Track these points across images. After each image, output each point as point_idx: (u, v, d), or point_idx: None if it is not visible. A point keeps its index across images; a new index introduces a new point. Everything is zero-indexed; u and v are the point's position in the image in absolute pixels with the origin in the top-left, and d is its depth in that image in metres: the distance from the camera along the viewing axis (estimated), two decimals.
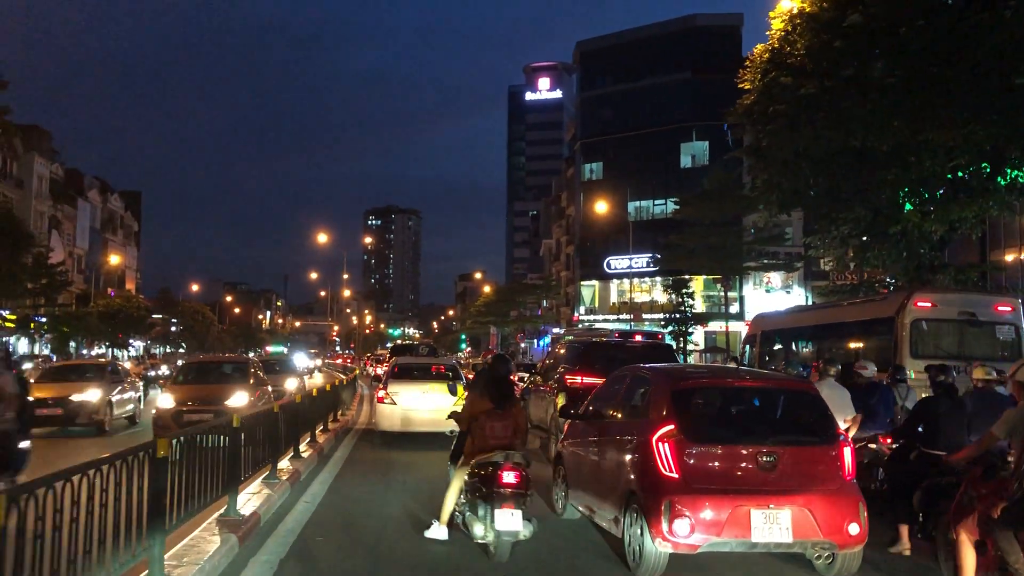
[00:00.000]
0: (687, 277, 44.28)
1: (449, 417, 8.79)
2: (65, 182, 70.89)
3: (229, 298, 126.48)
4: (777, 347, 19.93)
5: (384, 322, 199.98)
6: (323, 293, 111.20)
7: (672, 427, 6.74)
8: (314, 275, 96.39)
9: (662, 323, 45.26)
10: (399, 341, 72.22)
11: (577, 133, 68.48)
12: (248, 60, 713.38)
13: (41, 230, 63.40)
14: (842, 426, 8.99)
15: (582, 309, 64.28)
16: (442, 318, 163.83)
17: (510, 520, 7.08)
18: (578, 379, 13.38)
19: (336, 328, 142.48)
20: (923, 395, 9.94)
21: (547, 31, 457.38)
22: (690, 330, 45.12)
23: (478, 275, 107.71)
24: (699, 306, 50.94)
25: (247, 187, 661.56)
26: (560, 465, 9.07)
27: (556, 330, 67.44)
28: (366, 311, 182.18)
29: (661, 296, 59.28)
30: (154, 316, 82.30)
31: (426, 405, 14.66)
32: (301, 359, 49.69)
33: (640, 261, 56.28)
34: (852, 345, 16.32)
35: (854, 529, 6.57)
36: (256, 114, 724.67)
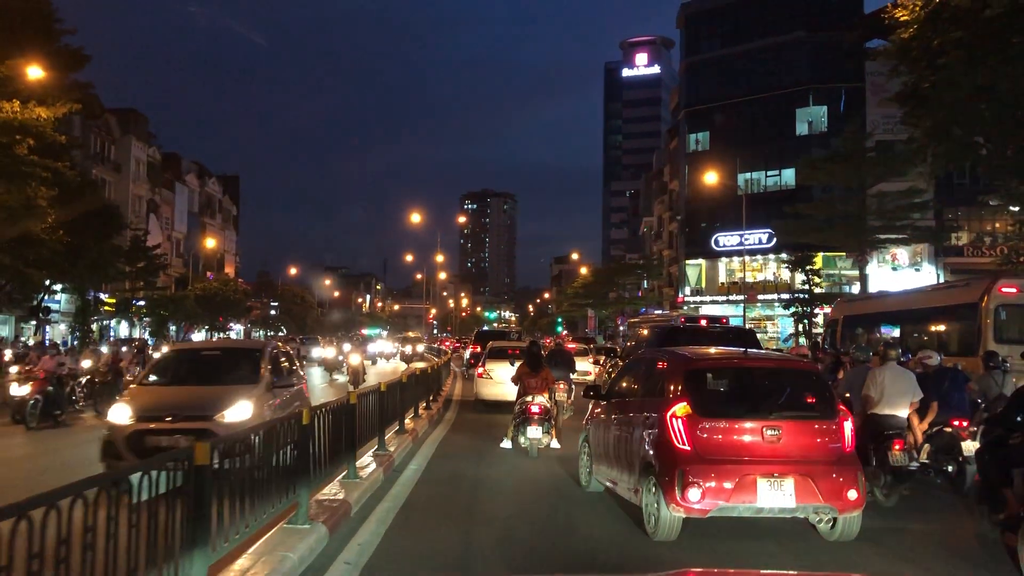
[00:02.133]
0: (811, 253, 39.90)
1: (511, 379, 13.68)
2: (162, 166, 71.10)
3: (328, 282, 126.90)
4: (859, 331, 19.74)
5: (480, 305, 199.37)
6: (419, 276, 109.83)
7: (685, 404, 7.34)
8: (409, 257, 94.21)
9: (781, 304, 41.16)
10: (495, 325, 73.77)
11: (681, 102, 63.77)
12: (345, 48, 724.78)
13: (139, 213, 63.65)
14: (905, 411, 9.61)
15: (687, 290, 60.21)
16: (538, 301, 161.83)
17: (535, 432, 12.10)
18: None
19: (434, 311, 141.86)
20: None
21: (645, 4, 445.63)
22: (815, 311, 40.82)
23: (575, 256, 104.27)
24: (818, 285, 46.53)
25: (346, 173, 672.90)
26: (586, 442, 9.87)
27: (657, 312, 63.97)
28: (462, 294, 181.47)
29: (774, 275, 55.09)
30: (252, 300, 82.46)
31: None
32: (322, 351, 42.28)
33: (752, 237, 51.73)
34: (934, 330, 16.44)
35: (852, 495, 7.07)
36: (354, 102, 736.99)
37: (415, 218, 55.91)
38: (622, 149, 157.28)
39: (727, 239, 55.25)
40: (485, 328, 52.17)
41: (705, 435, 7.15)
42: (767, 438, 7.12)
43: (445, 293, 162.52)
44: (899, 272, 47.80)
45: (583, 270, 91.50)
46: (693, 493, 6.87)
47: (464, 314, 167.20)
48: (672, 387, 7.65)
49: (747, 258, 52.71)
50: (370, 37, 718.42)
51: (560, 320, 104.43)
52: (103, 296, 54.12)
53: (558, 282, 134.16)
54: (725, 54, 57.47)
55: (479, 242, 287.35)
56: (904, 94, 19.11)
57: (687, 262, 60.76)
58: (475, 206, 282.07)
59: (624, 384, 9.37)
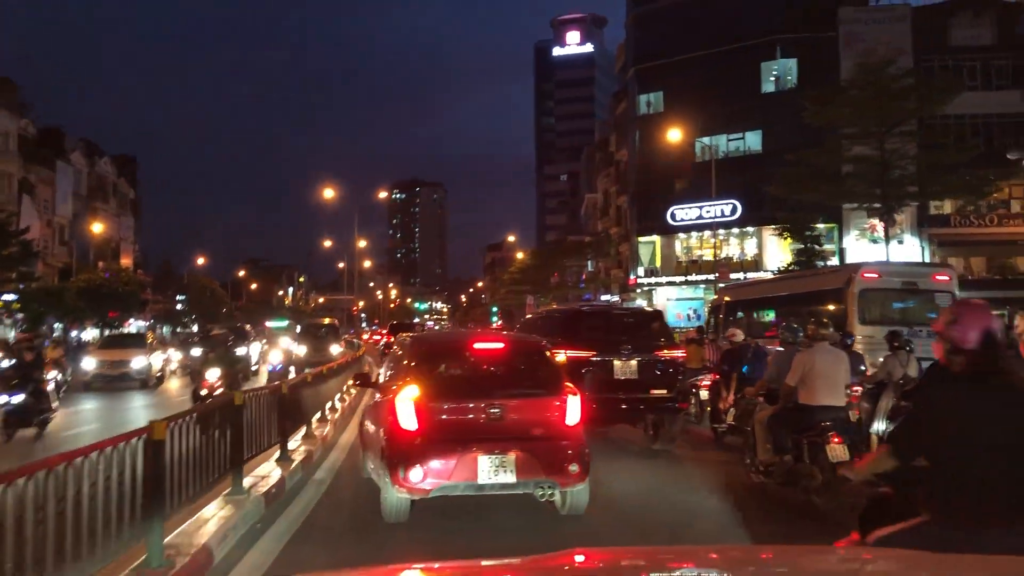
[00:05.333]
0: (809, 215, 33.87)
1: None
2: (40, 142, 62.12)
3: (242, 273, 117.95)
4: (739, 315, 20.15)
5: (411, 296, 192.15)
6: (341, 265, 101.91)
7: (412, 387, 7.46)
8: (328, 243, 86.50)
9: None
10: (425, 316, 70.74)
11: (629, 59, 56.85)
12: (268, 29, 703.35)
13: (8, 194, 54.94)
14: (842, 399, 8.72)
15: (640, 270, 54.02)
16: (471, 290, 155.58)
17: None
18: (561, 353, 11.14)
19: (361, 303, 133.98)
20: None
21: None
22: None
23: (511, 238, 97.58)
24: (780, 260, 40.85)
25: (264, 164, 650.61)
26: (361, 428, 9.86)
27: (605, 297, 57.97)
28: (391, 285, 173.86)
29: (738, 250, 49.45)
30: (152, 293, 74.00)
31: None
32: None
33: (715, 209, 45.71)
34: (807, 313, 16.53)
35: (574, 468, 7.30)
36: (271, 91, 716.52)
37: (328, 193, 48.70)
38: (555, 132, 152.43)
39: (685, 212, 49.31)
40: (397, 322, 56.41)
41: (431, 416, 7.30)
42: (490, 417, 7.32)
43: (372, 284, 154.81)
44: (879, 245, 42.62)
45: (519, 255, 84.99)
46: (414, 473, 7.01)
47: (393, 305, 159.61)
48: (403, 370, 7.91)
49: (707, 233, 46.79)
50: (294, 20, 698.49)
51: (495, 309, 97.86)
52: None
53: (491, 271, 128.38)
54: (679, 2, 51.01)
55: (409, 233, 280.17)
56: None
57: (639, 239, 54.51)
58: (403, 196, 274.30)
59: (385, 369, 9.41)
